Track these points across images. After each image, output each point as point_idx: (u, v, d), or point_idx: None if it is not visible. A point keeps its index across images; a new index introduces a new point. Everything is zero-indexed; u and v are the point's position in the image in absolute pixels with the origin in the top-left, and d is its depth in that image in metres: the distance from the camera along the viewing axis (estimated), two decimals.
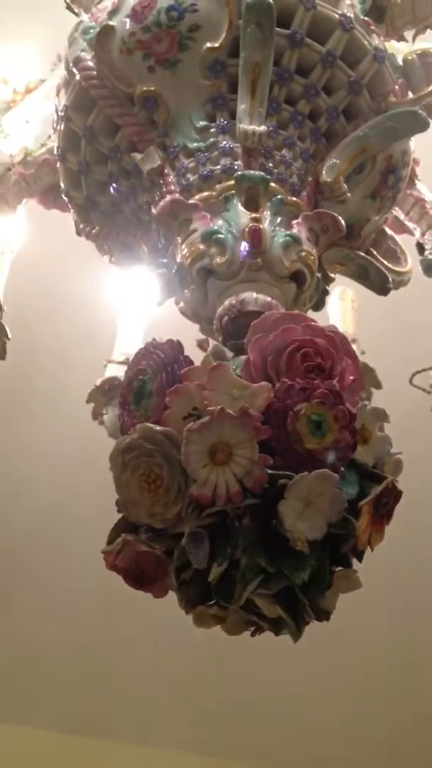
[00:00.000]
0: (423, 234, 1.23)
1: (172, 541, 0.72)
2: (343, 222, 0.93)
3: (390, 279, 1.08)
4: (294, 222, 0.91)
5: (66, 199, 1.10)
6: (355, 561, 0.74)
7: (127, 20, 0.97)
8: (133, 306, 1.53)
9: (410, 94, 1.04)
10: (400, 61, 1.05)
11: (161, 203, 0.93)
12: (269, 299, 0.87)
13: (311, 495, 0.67)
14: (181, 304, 0.96)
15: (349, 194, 0.97)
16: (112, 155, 1.02)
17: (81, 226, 1.11)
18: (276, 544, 0.69)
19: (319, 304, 0.98)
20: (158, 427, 0.70)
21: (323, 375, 0.72)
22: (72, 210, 1.11)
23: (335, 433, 0.69)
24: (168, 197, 0.93)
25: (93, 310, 1.62)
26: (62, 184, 1.09)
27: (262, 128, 0.92)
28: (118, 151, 1.02)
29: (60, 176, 1.09)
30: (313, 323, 0.75)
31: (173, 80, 0.97)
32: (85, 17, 1.05)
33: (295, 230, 0.90)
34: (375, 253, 1.10)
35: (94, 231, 1.10)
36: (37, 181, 1.26)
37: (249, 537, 0.69)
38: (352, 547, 0.71)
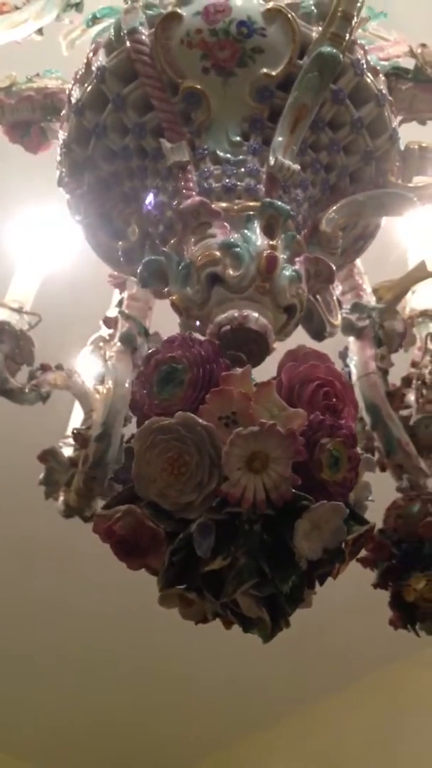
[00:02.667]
0: (344, 293, 1.35)
1: (172, 523, 0.76)
2: (335, 274, 1.02)
3: (327, 327, 1.17)
4: (297, 259, 0.99)
5: (63, 149, 1.11)
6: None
7: (198, 16, 1.01)
8: (31, 255, 1.52)
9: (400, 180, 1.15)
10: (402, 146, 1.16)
11: (188, 200, 0.97)
12: (267, 323, 0.94)
13: (320, 521, 0.75)
14: (174, 296, 0.99)
15: (340, 249, 1.06)
16: (135, 131, 1.04)
17: (67, 179, 1.12)
18: (270, 554, 0.76)
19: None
20: (200, 420, 0.75)
21: (334, 415, 0.80)
22: (63, 162, 1.11)
23: (345, 471, 0.77)
24: (196, 198, 0.97)
25: None
26: (66, 135, 1.10)
27: (296, 166, 0.99)
28: (143, 130, 1.04)
29: (67, 127, 1.09)
30: (333, 366, 0.83)
31: (222, 88, 1.02)
32: None
33: (297, 267, 0.98)
34: (319, 300, 1.19)
35: (79, 190, 1.11)
36: (14, 113, 1.26)
37: (255, 542, 0.75)
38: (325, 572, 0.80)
